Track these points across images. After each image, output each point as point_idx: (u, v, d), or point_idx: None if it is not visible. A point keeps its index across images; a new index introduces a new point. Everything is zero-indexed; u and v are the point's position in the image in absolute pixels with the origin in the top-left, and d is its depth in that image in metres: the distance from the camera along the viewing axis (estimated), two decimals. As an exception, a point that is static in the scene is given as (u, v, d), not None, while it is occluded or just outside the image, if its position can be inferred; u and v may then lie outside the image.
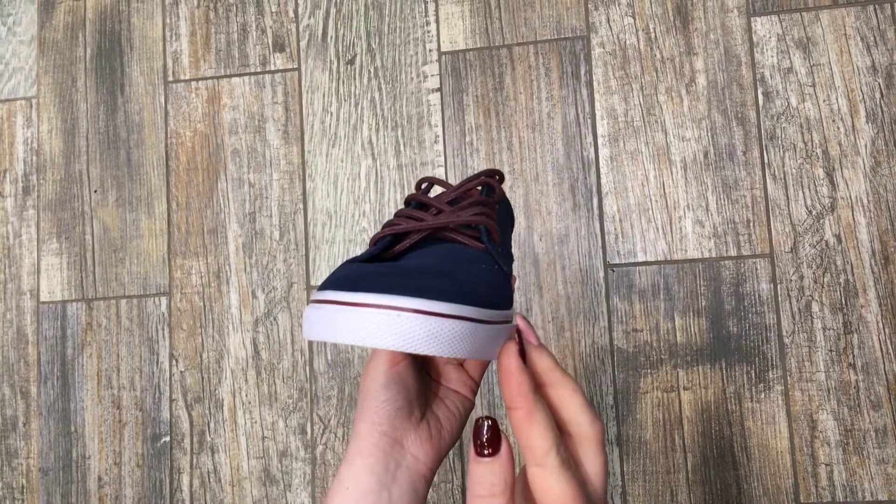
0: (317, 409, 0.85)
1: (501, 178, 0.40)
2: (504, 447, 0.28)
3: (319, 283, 0.86)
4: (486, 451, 0.28)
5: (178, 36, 0.94)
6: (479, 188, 0.39)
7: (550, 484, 0.28)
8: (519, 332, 0.31)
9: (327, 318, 0.27)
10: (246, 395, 0.87)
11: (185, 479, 0.86)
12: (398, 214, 0.36)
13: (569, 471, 0.28)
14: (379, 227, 0.86)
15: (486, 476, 0.28)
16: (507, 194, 0.85)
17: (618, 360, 0.80)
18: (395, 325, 0.26)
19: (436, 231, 0.35)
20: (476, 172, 0.38)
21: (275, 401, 0.86)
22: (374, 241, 0.34)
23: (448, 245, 0.34)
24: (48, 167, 0.94)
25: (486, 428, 0.28)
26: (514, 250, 0.84)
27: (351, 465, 0.36)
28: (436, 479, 0.82)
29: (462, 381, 0.41)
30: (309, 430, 0.85)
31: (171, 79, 0.93)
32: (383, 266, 0.30)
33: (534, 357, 0.31)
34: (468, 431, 0.82)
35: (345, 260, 0.35)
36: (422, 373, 0.39)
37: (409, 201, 0.38)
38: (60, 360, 0.91)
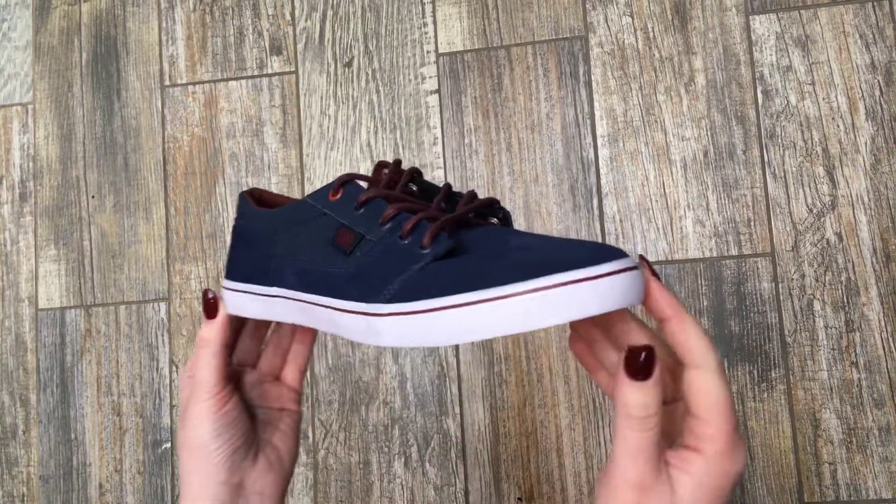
0: (318, 413, 0.85)
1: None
2: (657, 369, 0.28)
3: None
4: (641, 375, 0.28)
5: (175, 40, 0.94)
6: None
7: (710, 385, 0.28)
8: (646, 261, 0.32)
9: (583, 296, 0.26)
10: (247, 401, 0.86)
11: (187, 485, 0.86)
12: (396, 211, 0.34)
13: (725, 375, 0.29)
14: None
15: (640, 398, 0.27)
16: (507, 195, 0.85)
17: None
18: (636, 283, 0.28)
19: (456, 221, 0.33)
20: (392, 169, 0.36)
21: (276, 405, 0.86)
22: (432, 237, 0.31)
23: (481, 229, 0.33)
24: (45, 173, 0.94)
25: (642, 353, 0.28)
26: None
27: None
28: (438, 482, 0.81)
29: (282, 395, 0.40)
30: (310, 434, 0.85)
31: (167, 83, 0.93)
32: (493, 256, 0.29)
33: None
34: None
35: (404, 268, 0.32)
36: (245, 407, 0.37)
37: (367, 199, 0.35)
38: (60, 367, 0.90)
